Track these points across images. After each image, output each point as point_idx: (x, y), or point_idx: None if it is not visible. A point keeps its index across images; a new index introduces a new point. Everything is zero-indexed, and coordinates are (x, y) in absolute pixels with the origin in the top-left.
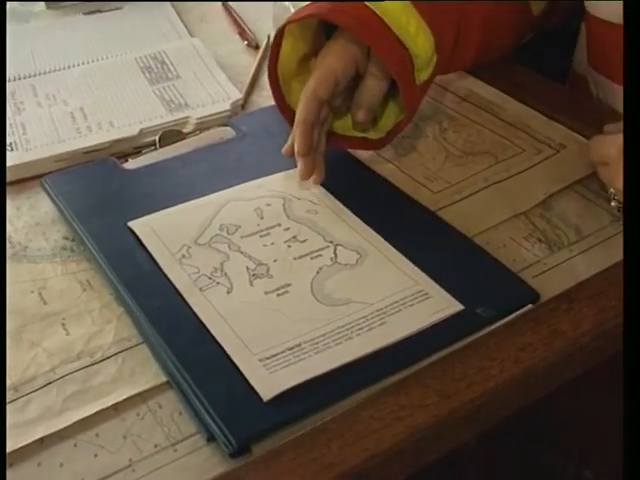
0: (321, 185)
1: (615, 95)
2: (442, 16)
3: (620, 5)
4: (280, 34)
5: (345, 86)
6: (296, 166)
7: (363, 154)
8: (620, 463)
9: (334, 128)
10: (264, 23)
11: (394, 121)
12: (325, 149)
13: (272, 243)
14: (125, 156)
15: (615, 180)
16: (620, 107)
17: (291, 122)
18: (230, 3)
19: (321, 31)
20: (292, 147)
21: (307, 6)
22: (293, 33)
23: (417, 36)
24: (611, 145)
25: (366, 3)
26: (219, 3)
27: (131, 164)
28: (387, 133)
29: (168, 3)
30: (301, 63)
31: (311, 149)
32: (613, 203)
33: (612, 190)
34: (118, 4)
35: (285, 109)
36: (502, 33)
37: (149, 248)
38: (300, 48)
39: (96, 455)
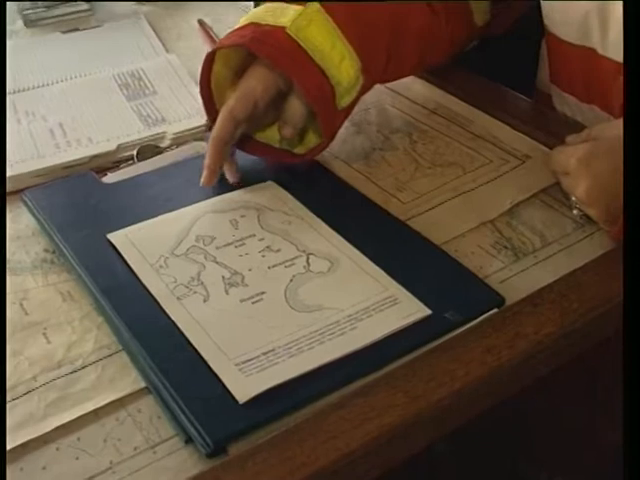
0: (294, 197)
1: (581, 111)
2: (372, 38)
3: (579, 27)
4: (212, 55)
5: (266, 104)
6: (272, 178)
7: (336, 165)
8: (593, 469)
9: (259, 137)
10: None
11: (318, 140)
12: (242, 154)
13: (247, 253)
14: (104, 170)
15: (575, 189)
16: (585, 122)
17: (203, 96)
18: (206, 20)
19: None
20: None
21: (234, 32)
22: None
23: (341, 63)
24: (571, 156)
25: (288, 32)
26: (195, 21)
27: (110, 178)
28: (309, 150)
29: (145, 21)
30: (236, 76)
31: (220, 164)
32: (575, 211)
33: (574, 199)
34: (96, 22)
35: (213, 113)
36: (439, 44)
37: (127, 259)
38: (233, 60)
39: (77, 458)
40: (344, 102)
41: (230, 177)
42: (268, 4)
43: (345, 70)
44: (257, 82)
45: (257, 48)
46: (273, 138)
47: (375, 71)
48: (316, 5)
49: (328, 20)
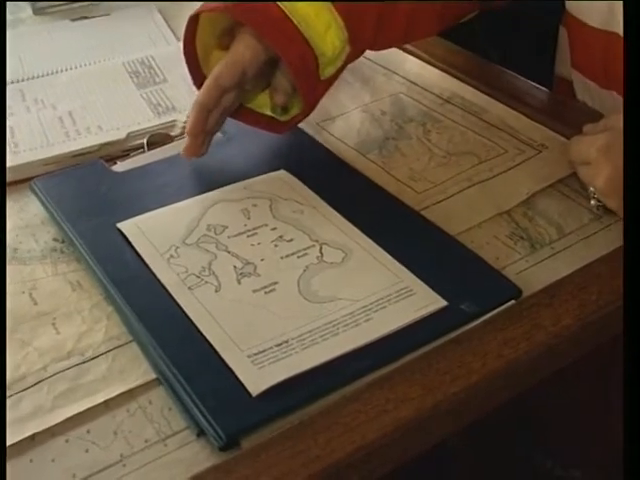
0: (306, 186)
1: (600, 98)
2: (362, 7)
3: (603, 10)
4: (195, 18)
5: (256, 72)
6: (284, 167)
7: (349, 155)
8: (608, 464)
9: (249, 105)
10: None
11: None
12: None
13: (259, 243)
14: (113, 159)
15: (595, 179)
16: (604, 109)
17: (187, 61)
18: None
19: None
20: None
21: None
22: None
23: (326, 33)
24: (590, 145)
25: (278, 3)
26: None
27: (119, 167)
28: (291, 118)
29: (155, 9)
30: (222, 36)
31: (201, 132)
32: (593, 202)
33: (592, 189)
34: (105, 10)
35: (199, 78)
36: (431, 11)
37: (138, 249)
38: (219, 24)
39: (87, 451)
40: (327, 72)
41: (192, 150)
42: None
43: (330, 40)
44: (246, 49)
45: (244, 16)
46: (263, 105)
47: (363, 41)
48: None
49: None
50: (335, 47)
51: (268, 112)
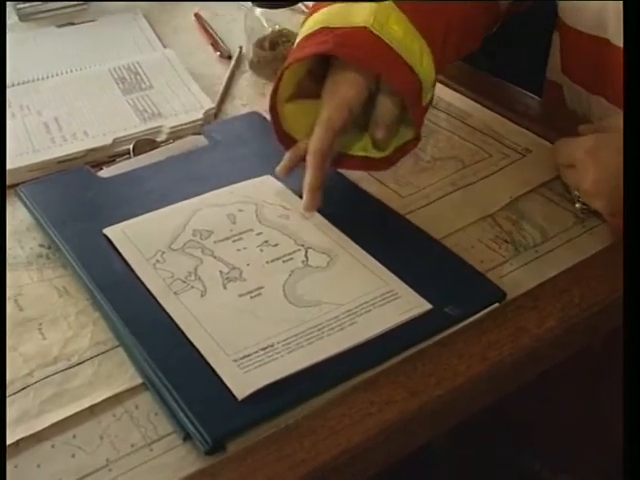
0: (292, 191)
1: (589, 103)
2: (433, 29)
3: (593, 16)
4: (282, 71)
5: (360, 109)
6: (270, 173)
7: None
8: (597, 467)
9: (352, 152)
10: (236, 34)
11: (398, 142)
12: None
13: (245, 248)
14: (99, 165)
15: (581, 181)
16: (592, 115)
17: (287, 146)
18: (203, 14)
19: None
20: (288, 167)
21: (305, 41)
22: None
23: (422, 58)
24: (577, 147)
25: (371, 29)
26: (192, 15)
27: (105, 172)
28: (393, 152)
29: (141, 15)
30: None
31: (323, 181)
32: (577, 205)
33: (577, 192)
34: (91, 16)
35: (280, 133)
36: (477, 30)
37: (124, 254)
38: (298, 75)
39: (73, 456)
40: (427, 98)
41: (314, 205)
42: (325, 9)
43: (426, 65)
44: (348, 87)
45: (346, 53)
46: (355, 147)
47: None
48: (389, 2)
49: (402, 16)
50: (431, 72)
51: (360, 153)
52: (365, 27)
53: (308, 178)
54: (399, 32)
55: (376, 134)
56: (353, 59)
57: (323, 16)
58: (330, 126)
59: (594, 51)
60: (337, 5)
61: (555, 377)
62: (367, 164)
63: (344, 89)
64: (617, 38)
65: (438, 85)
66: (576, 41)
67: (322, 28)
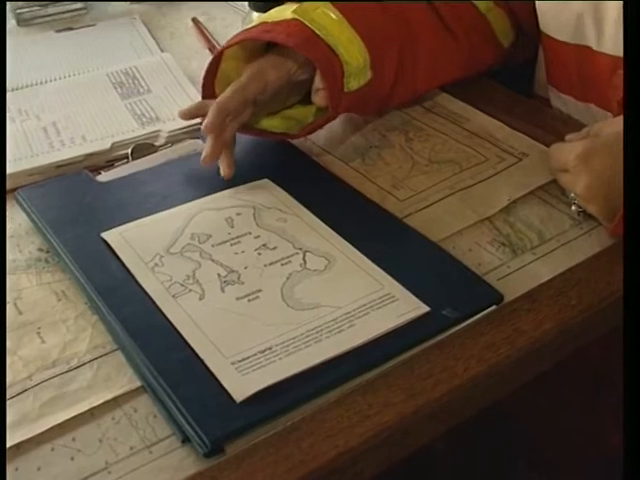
0: (290, 194)
1: (578, 111)
2: (382, 40)
3: (570, 24)
4: (219, 55)
5: (274, 91)
6: (268, 176)
7: (332, 163)
8: (595, 472)
9: (262, 126)
10: None
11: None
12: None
13: (243, 251)
14: (98, 169)
15: (574, 186)
16: (582, 122)
17: (204, 96)
18: (200, 19)
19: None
20: (189, 113)
21: (240, 33)
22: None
23: (349, 45)
24: (570, 152)
25: (293, 14)
26: (189, 20)
27: (104, 177)
28: (307, 125)
29: (139, 20)
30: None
31: (216, 130)
32: (573, 207)
33: (572, 195)
34: (90, 21)
35: (208, 85)
36: (454, 60)
37: (122, 258)
38: (240, 60)
39: (73, 458)
40: (352, 85)
41: (225, 168)
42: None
43: (353, 53)
44: (270, 67)
45: (264, 36)
46: (272, 126)
47: (385, 75)
48: (327, 2)
49: (335, 11)
50: (358, 61)
51: (277, 131)
52: (293, 18)
53: (205, 122)
54: (324, 19)
55: (317, 98)
56: (269, 38)
57: (265, 15)
58: (242, 91)
59: (577, 59)
60: (284, 6)
61: (553, 379)
62: (272, 135)
63: (266, 65)
64: (598, 44)
65: (436, 90)
66: (558, 51)
67: (259, 24)
